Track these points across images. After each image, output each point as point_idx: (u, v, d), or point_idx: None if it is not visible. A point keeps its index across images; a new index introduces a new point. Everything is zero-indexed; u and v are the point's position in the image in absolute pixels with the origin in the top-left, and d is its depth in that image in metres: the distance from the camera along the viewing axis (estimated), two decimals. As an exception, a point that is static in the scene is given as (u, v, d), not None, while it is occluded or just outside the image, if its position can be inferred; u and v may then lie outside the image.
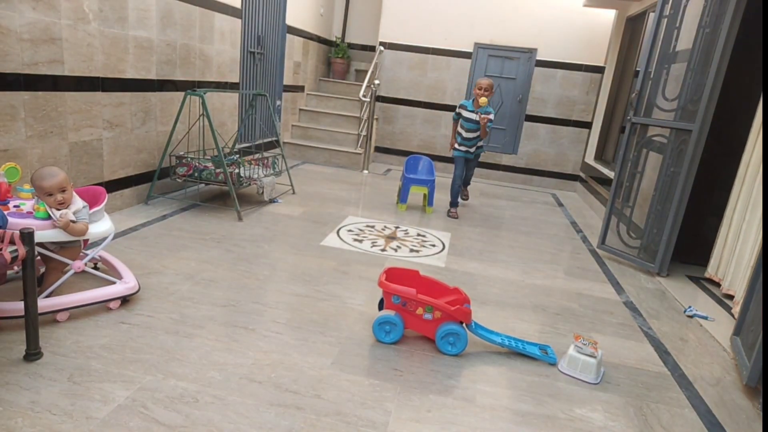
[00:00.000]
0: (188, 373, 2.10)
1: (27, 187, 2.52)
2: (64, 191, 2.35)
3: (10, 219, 2.24)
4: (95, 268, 2.87)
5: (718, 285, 3.76)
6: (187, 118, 4.47)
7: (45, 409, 1.79)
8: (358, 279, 3.30)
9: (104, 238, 2.59)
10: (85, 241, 2.60)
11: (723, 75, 3.58)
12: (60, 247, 2.46)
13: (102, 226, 2.55)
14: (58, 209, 2.34)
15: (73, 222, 2.35)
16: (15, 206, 2.38)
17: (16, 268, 2.66)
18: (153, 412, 1.85)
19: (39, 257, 2.48)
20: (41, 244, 2.37)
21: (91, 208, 2.50)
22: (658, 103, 4.12)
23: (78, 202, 2.42)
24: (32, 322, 2.02)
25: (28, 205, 2.43)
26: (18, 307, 2.17)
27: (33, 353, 2.06)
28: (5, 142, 2.99)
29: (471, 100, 5.00)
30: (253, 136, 6.38)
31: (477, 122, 4.95)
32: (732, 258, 3.62)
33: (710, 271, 3.85)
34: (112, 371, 2.05)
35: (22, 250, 1.91)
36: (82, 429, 1.73)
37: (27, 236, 1.92)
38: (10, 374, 1.96)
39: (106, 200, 2.61)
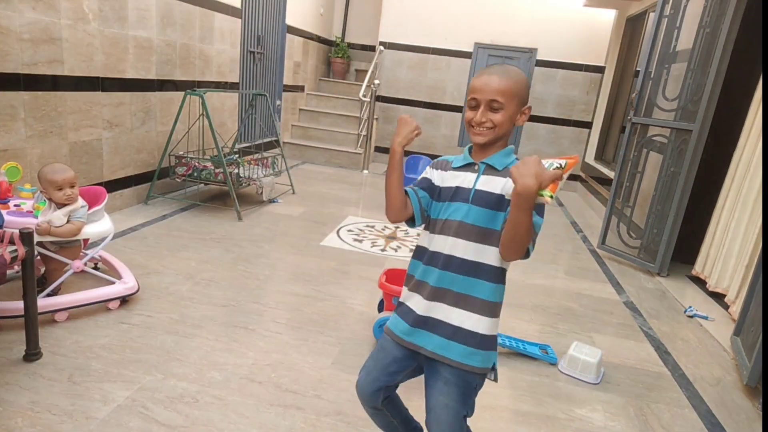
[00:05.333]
0: (188, 373, 2.10)
1: (28, 186, 2.52)
2: (73, 187, 2.38)
3: (11, 218, 2.24)
4: (95, 268, 2.87)
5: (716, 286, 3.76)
6: (187, 118, 4.47)
7: (45, 409, 1.79)
8: (358, 279, 3.30)
9: (104, 238, 2.59)
10: (86, 240, 2.60)
11: (723, 75, 3.58)
12: (60, 246, 2.46)
13: (102, 226, 2.55)
14: (66, 204, 2.36)
15: (58, 226, 2.33)
16: (15, 205, 2.39)
17: (16, 267, 2.68)
18: (153, 412, 1.84)
19: (39, 257, 2.48)
20: (41, 244, 2.37)
21: (91, 207, 2.50)
22: (658, 103, 4.12)
23: (77, 202, 2.43)
24: (32, 322, 2.02)
25: (28, 205, 2.43)
26: (18, 306, 2.17)
27: (33, 353, 2.05)
28: (5, 142, 2.99)
29: (468, 150, 1.44)
30: (253, 136, 6.37)
31: (493, 200, 1.35)
32: (719, 256, 3.63)
33: (697, 269, 3.86)
34: (112, 371, 2.05)
35: (21, 250, 1.91)
36: (82, 429, 1.73)
37: (26, 236, 1.92)
38: (10, 374, 1.95)
39: (106, 200, 2.61)
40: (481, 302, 1.37)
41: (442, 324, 1.39)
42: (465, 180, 1.40)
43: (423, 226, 1.47)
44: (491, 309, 1.38)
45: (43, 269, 2.60)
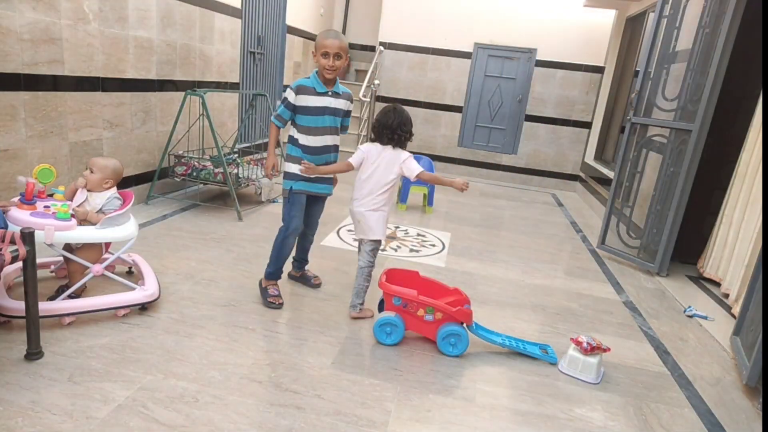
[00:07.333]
0: (188, 372, 2.10)
1: (62, 188, 2.50)
2: (92, 172, 2.47)
3: (32, 218, 2.20)
4: (129, 272, 2.91)
5: (717, 284, 3.77)
6: (187, 118, 4.47)
7: (45, 409, 1.79)
8: (358, 279, 3.30)
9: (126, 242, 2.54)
10: (107, 244, 2.57)
11: (723, 75, 3.58)
12: (76, 246, 2.45)
13: (124, 230, 2.46)
14: (82, 187, 2.49)
15: (85, 212, 2.43)
16: (45, 206, 2.34)
17: (53, 267, 2.70)
18: (153, 412, 1.85)
19: (64, 263, 2.51)
20: (67, 247, 2.40)
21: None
22: (657, 103, 4.12)
23: (108, 193, 2.52)
24: (33, 322, 2.02)
25: (59, 206, 2.38)
26: (44, 306, 2.20)
27: (34, 353, 2.06)
28: (5, 142, 2.99)
29: (315, 75, 2.69)
30: (254, 136, 6.37)
31: (335, 113, 2.74)
32: (722, 256, 3.64)
33: (710, 271, 3.86)
34: (112, 371, 2.05)
35: (22, 250, 1.91)
36: (82, 429, 1.73)
37: (27, 236, 1.92)
38: (10, 374, 1.96)
39: (131, 203, 2.54)
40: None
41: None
42: (328, 99, 2.67)
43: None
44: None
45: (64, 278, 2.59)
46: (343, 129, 2.84)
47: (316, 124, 2.67)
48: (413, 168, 2.65)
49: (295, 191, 2.74)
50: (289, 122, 2.76)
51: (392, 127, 2.66)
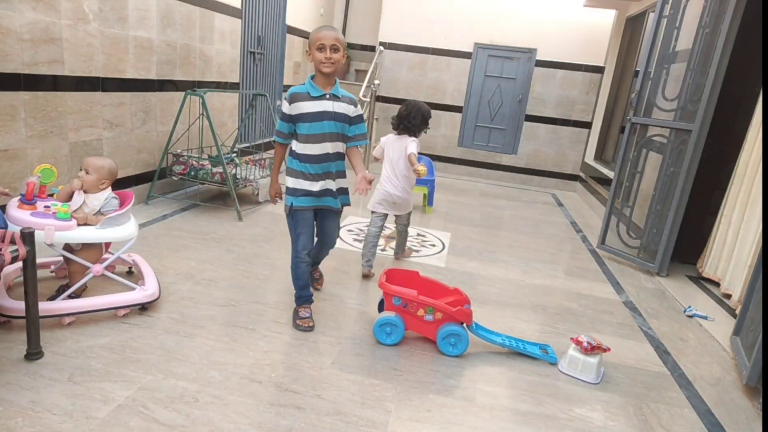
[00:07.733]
0: (188, 372, 2.10)
1: (61, 188, 2.49)
2: (87, 173, 2.43)
3: (32, 218, 2.20)
4: (129, 272, 2.90)
5: (717, 284, 3.77)
6: (187, 119, 4.47)
7: (45, 409, 1.80)
8: (358, 279, 3.30)
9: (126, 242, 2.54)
10: (107, 244, 2.57)
11: (723, 75, 3.58)
12: (77, 247, 2.44)
13: (125, 230, 2.46)
14: (78, 189, 2.43)
15: (87, 214, 2.41)
16: (45, 206, 2.34)
17: (53, 267, 2.70)
18: (153, 412, 1.85)
19: (64, 260, 2.50)
20: (67, 247, 2.38)
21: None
22: (657, 103, 4.12)
23: (105, 194, 2.47)
24: (33, 322, 2.02)
25: (59, 206, 2.38)
26: (44, 306, 2.20)
27: (34, 353, 2.06)
28: (5, 142, 2.99)
29: (309, 79, 2.48)
30: (253, 136, 6.37)
31: (336, 117, 2.48)
32: (723, 256, 3.64)
33: (709, 271, 3.86)
34: (112, 371, 2.05)
35: (22, 250, 1.91)
36: (82, 429, 1.73)
37: (27, 236, 1.92)
38: (10, 374, 1.96)
39: (132, 203, 2.53)
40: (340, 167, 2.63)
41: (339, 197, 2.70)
42: (325, 103, 2.45)
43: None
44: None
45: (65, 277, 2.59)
46: (360, 138, 2.55)
47: (314, 131, 2.44)
48: (410, 148, 3.26)
49: (296, 208, 2.52)
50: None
51: (401, 116, 3.37)
